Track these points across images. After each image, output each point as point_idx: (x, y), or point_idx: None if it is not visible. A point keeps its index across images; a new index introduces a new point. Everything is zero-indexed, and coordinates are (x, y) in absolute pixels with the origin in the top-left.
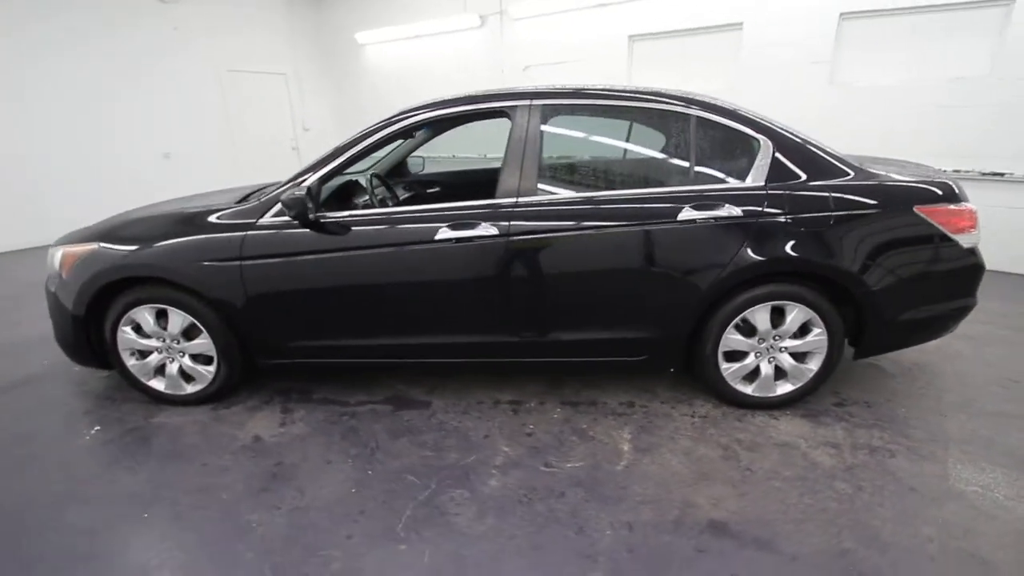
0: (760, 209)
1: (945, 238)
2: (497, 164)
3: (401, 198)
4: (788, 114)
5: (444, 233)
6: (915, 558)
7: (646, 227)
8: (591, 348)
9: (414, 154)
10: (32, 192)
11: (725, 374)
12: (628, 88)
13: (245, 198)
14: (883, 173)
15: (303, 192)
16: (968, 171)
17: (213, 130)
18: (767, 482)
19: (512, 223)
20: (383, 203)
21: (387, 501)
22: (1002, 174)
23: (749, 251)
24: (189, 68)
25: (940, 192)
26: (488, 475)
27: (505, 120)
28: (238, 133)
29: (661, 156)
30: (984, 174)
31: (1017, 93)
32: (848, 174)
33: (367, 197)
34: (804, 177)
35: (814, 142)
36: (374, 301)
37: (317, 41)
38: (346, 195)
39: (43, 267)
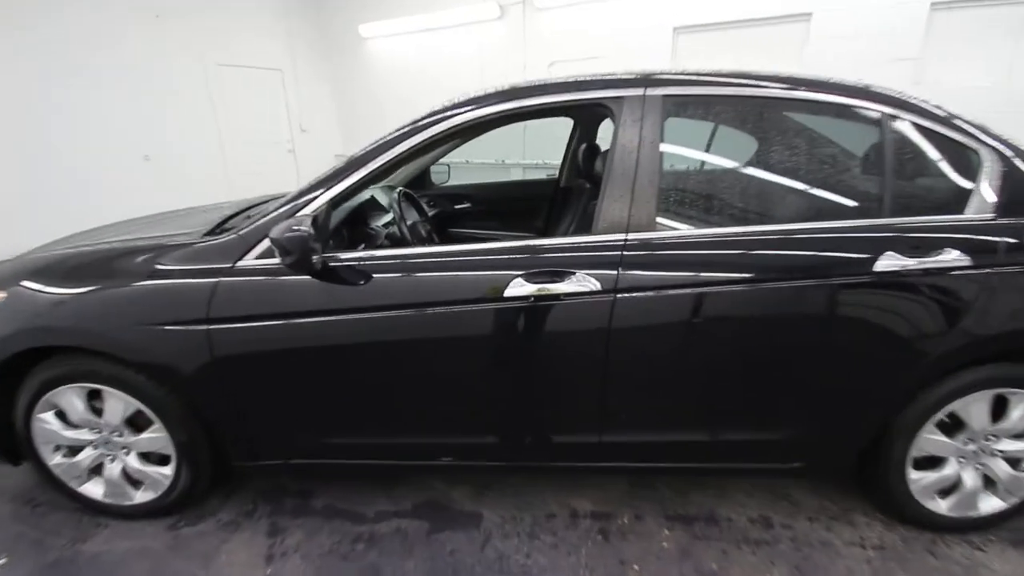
0: (994, 253)
1: None
2: (538, 174)
3: (431, 215)
4: None
5: (518, 287)
6: None
7: (827, 282)
8: (723, 452)
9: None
10: None
11: (912, 486)
12: (783, 75)
13: (221, 224)
14: None
15: (306, 228)
16: None
17: (200, 130)
18: None
19: (621, 272)
20: (414, 231)
21: None
22: None
23: (980, 317)
24: (173, 61)
25: None
26: None
27: (534, 121)
28: (228, 134)
29: (839, 175)
30: None
31: None
32: None
33: (388, 220)
34: None
35: None
36: (408, 385)
37: (317, 34)
38: (359, 217)
39: None
